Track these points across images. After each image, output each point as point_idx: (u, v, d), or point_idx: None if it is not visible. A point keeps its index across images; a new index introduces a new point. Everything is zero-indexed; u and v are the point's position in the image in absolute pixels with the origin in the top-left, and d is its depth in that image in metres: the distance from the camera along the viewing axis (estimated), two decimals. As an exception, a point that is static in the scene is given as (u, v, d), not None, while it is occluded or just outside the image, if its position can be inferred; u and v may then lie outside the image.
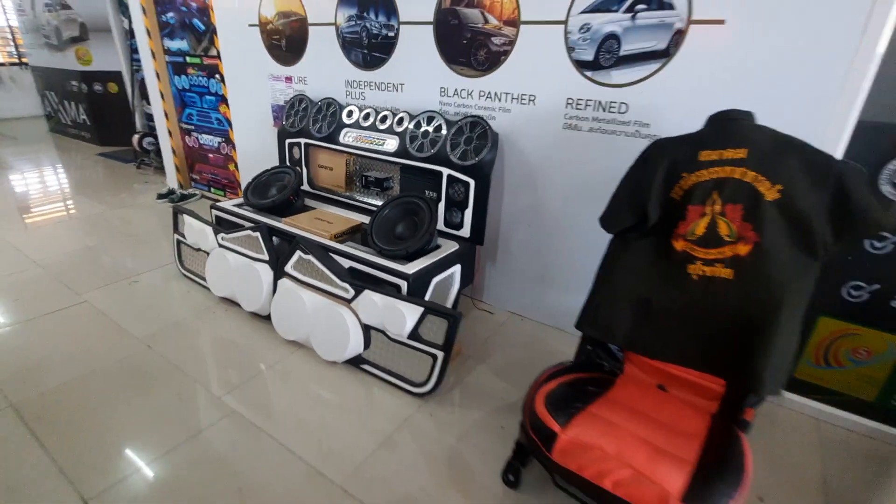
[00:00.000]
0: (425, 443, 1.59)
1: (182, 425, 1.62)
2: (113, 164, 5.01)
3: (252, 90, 3.08)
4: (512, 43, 1.95)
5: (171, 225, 2.76)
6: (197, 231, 2.44)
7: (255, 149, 3.29)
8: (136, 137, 4.54)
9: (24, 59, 7.05)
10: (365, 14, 2.34)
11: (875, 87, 1.43)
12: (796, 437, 1.71)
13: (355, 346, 1.87)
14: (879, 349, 1.62)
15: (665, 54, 1.66)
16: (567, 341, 1.98)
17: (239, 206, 2.52)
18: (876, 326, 1.61)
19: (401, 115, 2.29)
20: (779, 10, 1.46)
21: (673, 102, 1.68)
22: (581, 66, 1.83)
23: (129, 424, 1.61)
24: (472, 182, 2.06)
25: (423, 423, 1.67)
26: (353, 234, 2.23)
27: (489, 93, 2.08)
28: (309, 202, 2.62)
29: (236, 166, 3.55)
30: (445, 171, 2.12)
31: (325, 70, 2.62)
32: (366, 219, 2.27)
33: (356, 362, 1.91)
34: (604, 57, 1.77)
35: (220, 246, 2.32)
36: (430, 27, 2.14)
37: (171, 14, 3.42)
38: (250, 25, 2.87)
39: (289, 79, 2.82)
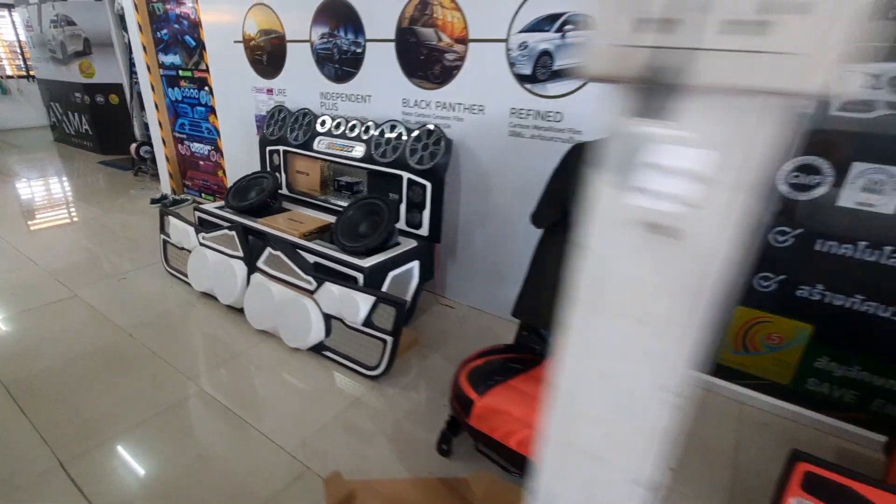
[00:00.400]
0: (373, 418, 1.76)
1: (153, 402, 1.79)
2: (112, 172, 5.24)
3: (237, 101, 3.29)
4: (462, 59, 2.15)
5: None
6: (181, 231, 2.63)
7: (241, 156, 3.50)
8: (133, 146, 4.77)
9: (31, 73, 7.36)
10: (336, 32, 2.55)
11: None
12: (718, 418, 1.86)
13: (317, 333, 2.04)
14: (789, 335, 1.78)
15: (592, 69, 1.84)
16: (515, 331, 2.15)
17: (220, 208, 2.71)
18: (785, 314, 1.76)
19: (368, 124, 2.48)
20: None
21: (599, 111, 1.86)
22: (521, 79, 2.02)
23: (106, 400, 1.79)
24: (428, 185, 2.24)
25: (374, 402, 1.84)
26: (322, 232, 2.42)
27: (444, 103, 2.28)
28: (287, 205, 2.81)
29: (224, 173, 3.76)
30: (405, 175, 2.30)
31: (302, 83, 2.82)
32: (335, 219, 2.46)
33: (318, 349, 2.08)
34: (540, 71, 1.96)
35: (201, 244, 2.51)
36: (392, 44, 2.34)
37: (165, 31, 3.65)
38: (235, 42, 3.09)
39: (270, 91, 3.03)
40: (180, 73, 3.70)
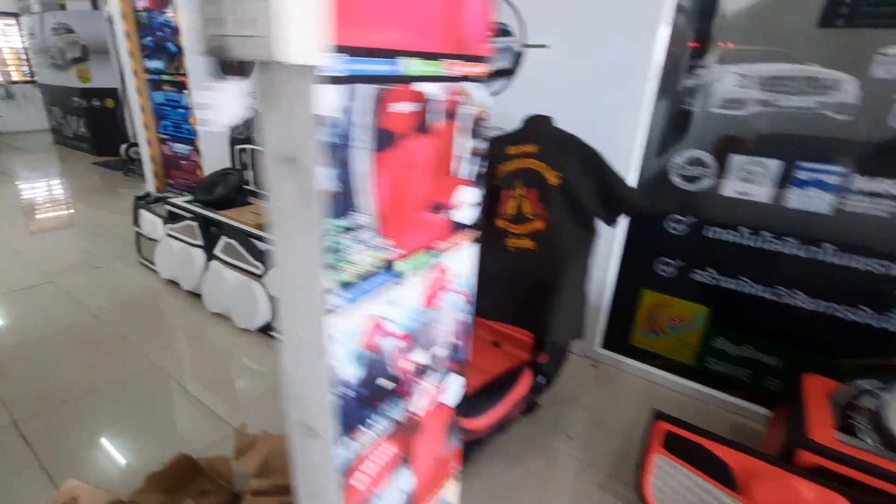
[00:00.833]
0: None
1: (107, 373, 1.96)
2: (105, 172, 5.48)
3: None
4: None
5: (135, 220, 3.16)
6: (150, 223, 2.82)
7: (216, 155, 3.69)
8: (123, 147, 4.99)
9: (34, 78, 7.66)
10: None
11: (659, 103, 1.76)
12: (626, 395, 1.99)
13: (264, 314, 2.20)
14: (690, 317, 1.91)
15: (510, 72, 2.01)
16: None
17: (189, 202, 2.90)
18: (684, 297, 1.90)
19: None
20: (586, 39, 1.80)
21: (519, 110, 2.02)
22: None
23: (65, 371, 1.96)
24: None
25: (308, 376, 2.00)
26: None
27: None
28: (254, 200, 2.99)
29: (202, 171, 3.95)
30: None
31: (267, 86, 3.01)
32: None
33: (266, 329, 2.25)
34: (469, 74, 2.13)
35: (167, 235, 2.69)
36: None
37: (149, 38, 3.88)
38: (210, 48, 3.29)
39: (240, 93, 3.22)
40: (163, 77, 3.91)
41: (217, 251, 2.42)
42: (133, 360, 2.06)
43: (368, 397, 0.68)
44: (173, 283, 2.71)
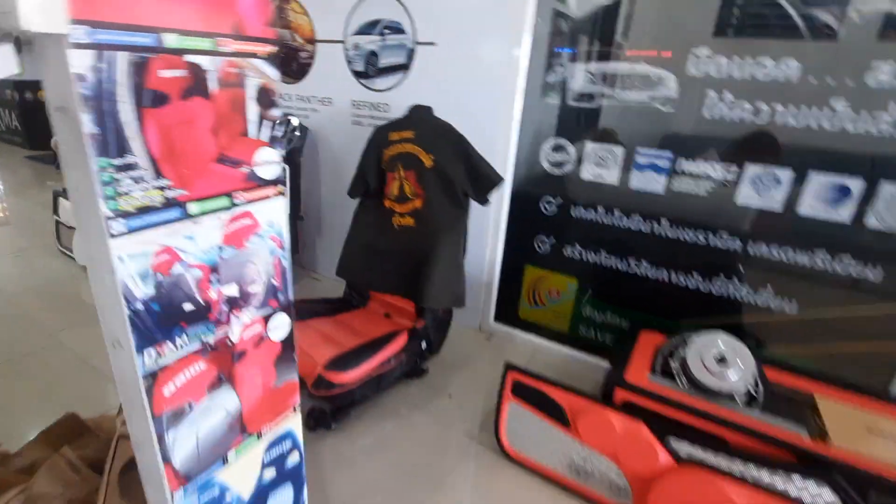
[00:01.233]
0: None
1: (9, 348, 2.01)
2: (37, 166, 5.34)
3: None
4: (312, 57, 2.47)
5: (57, 209, 3.16)
6: (68, 210, 2.83)
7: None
8: (54, 140, 4.88)
9: (-35, 69, 7.32)
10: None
11: (528, 96, 1.97)
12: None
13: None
14: (563, 289, 2.13)
15: (406, 67, 2.19)
16: (359, 295, 2.44)
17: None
18: (558, 270, 2.12)
19: (243, 114, 2.76)
20: (467, 39, 2.00)
21: (416, 101, 2.20)
22: (357, 75, 2.34)
23: (-35, 350, 2.00)
24: (287, 167, 2.53)
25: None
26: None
27: (302, 96, 2.58)
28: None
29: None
30: (269, 159, 2.59)
31: (191, 78, 3.08)
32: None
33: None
34: (370, 69, 2.29)
35: (85, 222, 2.72)
36: (260, 43, 2.64)
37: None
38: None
39: (166, 85, 3.28)
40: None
41: (132, 236, 2.49)
42: (39, 338, 2.11)
43: (172, 317, 0.82)
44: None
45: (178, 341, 0.85)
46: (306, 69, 2.51)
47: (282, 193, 0.98)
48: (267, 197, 0.95)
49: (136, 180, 0.72)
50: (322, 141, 2.61)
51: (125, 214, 0.72)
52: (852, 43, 1.42)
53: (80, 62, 0.63)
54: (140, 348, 0.79)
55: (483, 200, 1.83)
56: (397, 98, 2.25)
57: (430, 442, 1.70)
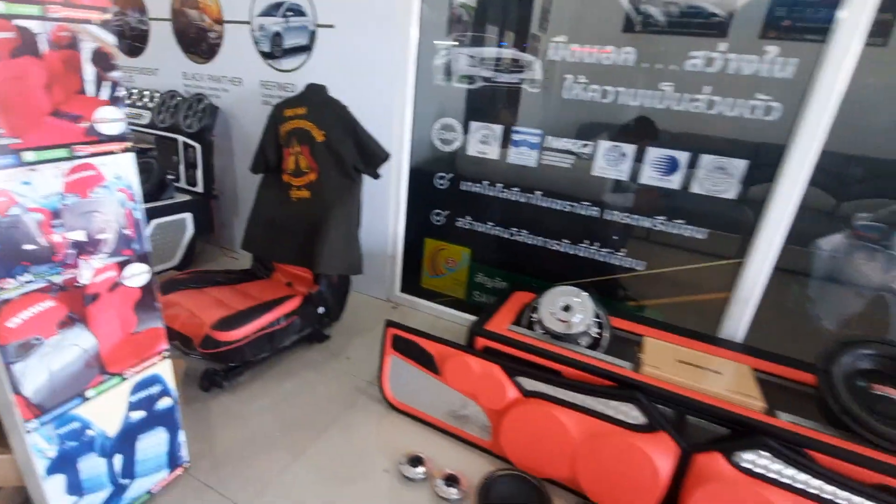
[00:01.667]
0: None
1: None
2: None
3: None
4: (221, 37, 2.51)
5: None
6: None
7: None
8: None
9: None
10: (125, 10, 2.81)
11: (420, 79, 2.11)
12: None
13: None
14: (458, 258, 2.31)
15: (309, 48, 2.28)
16: (272, 270, 2.53)
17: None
18: (453, 241, 2.29)
19: (155, 94, 2.77)
20: (363, 22, 2.11)
21: (320, 81, 2.30)
22: (264, 56, 2.42)
23: None
24: (198, 146, 2.57)
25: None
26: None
27: (214, 76, 2.62)
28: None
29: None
30: (180, 138, 2.62)
31: (102, 57, 3.04)
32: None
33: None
34: (276, 50, 2.37)
35: None
36: (169, 23, 2.65)
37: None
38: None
39: (76, 64, 3.21)
40: None
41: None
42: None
43: (11, 255, 0.91)
44: None
45: (21, 278, 0.94)
46: (216, 49, 2.55)
47: (128, 150, 1.07)
48: (112, 152, 1.04)
49: (-37, 127, 0.81)
50: (234, 120, 2.66)
51: (-49, 156, 0.81)
52: (673, 35, 1.65)
53: None
54: (-24, 280, 0.88)
55: (373, 174, 1.97)
56: (303, 78, 2.34)
57: (321, 397, 1.83)
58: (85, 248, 1.03)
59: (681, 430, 1.41)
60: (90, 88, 0.97)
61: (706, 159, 1.68)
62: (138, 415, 1.25)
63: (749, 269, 1.71)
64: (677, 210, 1.78)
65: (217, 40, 2.53)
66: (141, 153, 2.87)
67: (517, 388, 1.53)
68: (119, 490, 1.25)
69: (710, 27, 1.58)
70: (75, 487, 1.14)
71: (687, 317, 1.91)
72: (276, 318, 1.75)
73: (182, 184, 2.70)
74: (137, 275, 1.15)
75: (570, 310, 1.63)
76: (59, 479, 1.10)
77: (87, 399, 1.12)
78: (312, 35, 2.25)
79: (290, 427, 1.67)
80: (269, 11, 2.31)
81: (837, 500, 1.17)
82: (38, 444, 1.04)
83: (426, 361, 1.68)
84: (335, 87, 2.09)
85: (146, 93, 2.80)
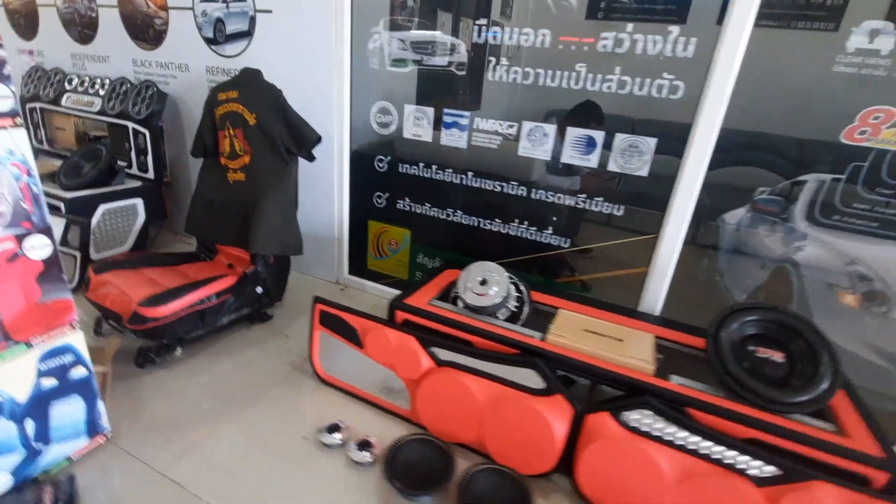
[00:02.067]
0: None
1: None
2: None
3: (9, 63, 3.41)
4: (167, 24, 2.53)
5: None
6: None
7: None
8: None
9: None
10: (75, -2, 2.82)
11: (355, 63, 2.15)
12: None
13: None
14: (400, 239, 2.36)
15: (249, 34, 2.31)
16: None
17: None
18: (394, 223, 2.34)
19: (105, 81, 2.78)
20: (299, 7, 2.14)
21: (262, 66, 2.33)
22: (208, 41, 2.44)
23: None
24: (147, 132, 2.60)
25: (62, 306, 2.17)
26: (52, 178, 2.68)
27: (161, 63, 2.65)
28: (46, 158, 3.02)
29: None
30: (130, 125, 2.64)
31: (54, 44, 3.05)
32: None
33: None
34: (219, 35, 2.40)
35: None
36: (116, 10, 2.67)
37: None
38: (-2, 5, 3.23)
39: (31, 52, 3.21)
40: None
41: None
42: None
43: None
44: None
45: None
46: (162, 36, 2.57)
47: (18, 125, 1.11)
48: (3, 127, 1.08)
49: None
50: (184, 107, 2.69)
51: None
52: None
53: None
54: None
55: (307, 156, 2.01)
56: (245, 64, 2.37)
57: (257, 373, 1.88)
58: (-22, 219, 1.08)
59: (593, 396, 1.48)
60: (-26, 65, 1.01)
61: (619, 138, 1.74)
62: (50, 382, 1.30)
63: (663, 244, 1.77)
64: (597, 189, 1.84)
65: (163, 27, 2.55)
66: (93, 140, 2.90)
67: (431, 358, 1.59)
68: (34, 454, 1.30)
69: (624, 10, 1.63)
70: (-16, 450, 1.19)
71: (613, 291, 1.98)
72: (206, 295, 1.80)
73: (134, 170, 2.72)
74: (38, 247, 1.20)
75: (486, 283, 1.69)
76: (-34, 442, 1.15)
77: (-9, 365, 1.17)
78: (252, 21, 2.28)
79: (222, 401, 1.73)
80: (211, -3, 2.34)
81: (712, 453, 1.25)
82: (-61, 407, 1.09)
83: (350, 335, 1.74)
84: (276, 71, 2.12)
85: (97, 80, 2.82)
